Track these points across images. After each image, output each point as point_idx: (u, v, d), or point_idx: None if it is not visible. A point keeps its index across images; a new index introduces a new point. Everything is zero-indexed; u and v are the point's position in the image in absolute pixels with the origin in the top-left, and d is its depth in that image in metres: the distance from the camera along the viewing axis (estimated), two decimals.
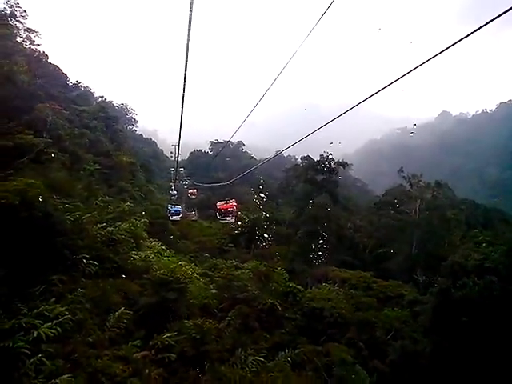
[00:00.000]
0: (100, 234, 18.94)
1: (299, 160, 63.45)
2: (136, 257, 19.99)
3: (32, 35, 41.80)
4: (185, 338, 14.54)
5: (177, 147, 19.98)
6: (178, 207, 27.36)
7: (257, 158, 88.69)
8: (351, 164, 53.03)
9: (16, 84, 28.47)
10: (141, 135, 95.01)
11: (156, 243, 26.79)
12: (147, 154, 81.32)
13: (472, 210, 50.49)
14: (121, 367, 12.13)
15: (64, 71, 55.66)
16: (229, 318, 18.49)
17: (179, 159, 30.58)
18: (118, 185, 39.22)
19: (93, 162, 36.17)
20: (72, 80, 61.87)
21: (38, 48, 43.19)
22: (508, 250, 19.70)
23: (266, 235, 35.85)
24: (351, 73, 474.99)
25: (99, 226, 19.56)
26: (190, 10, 3.70)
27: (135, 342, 13.74)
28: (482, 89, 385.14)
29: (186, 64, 4.79)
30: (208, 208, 45.01)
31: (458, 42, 3.67)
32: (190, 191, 36.16)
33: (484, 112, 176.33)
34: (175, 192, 28.62)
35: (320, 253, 34.28)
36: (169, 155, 49.29)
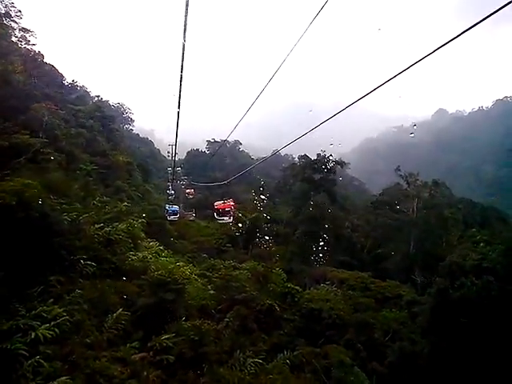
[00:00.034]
0: (97, 234, 18.77)
1: (296, 159, 63.49)
2: (134, 257, 19.87)
3: (27, 35, 41.32)
4: (183, 340, 14.49)
5: (174, 146, 19.89)
6: (176, 207, 27.18)
7: (254, 157, 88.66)
8: (348, 163, 53.07)
9: (11, 84, 28.28)
10: (137, 135, 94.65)
11: (154, 243, 26.65)
12: (144, 154, 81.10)
13: (469, 208, 50.80)
14: (119, 369, 12.13)
15: (60, 71, 55.40)
16: (227, 319, 18.44)
17: (176, 158, 30.39)
18: (114, 185, 38.98)
19: (89, 162, 36.01)
20: (68, 80, 61.89)
21: (34, 48, 42.70)
22: (506, 250, 19.68)
23: (264, 235, 35.81)
24: (347, 71, 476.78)
25: (96, 226, 19.39)
26: (186, 9, 3.69)
27: (133, 344, 13.66)
28: (477, 86, 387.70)
29: (182, 64, 4.77)
30: (205, 208, 44.85)
31: (452, 39, 3.58)
32: (188, 191, 35.94)
33: (480, 109, 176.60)
34: (172, 192, 28.46)
35: (318, 253, 34.27)
36: (166, 155, 49.12)
